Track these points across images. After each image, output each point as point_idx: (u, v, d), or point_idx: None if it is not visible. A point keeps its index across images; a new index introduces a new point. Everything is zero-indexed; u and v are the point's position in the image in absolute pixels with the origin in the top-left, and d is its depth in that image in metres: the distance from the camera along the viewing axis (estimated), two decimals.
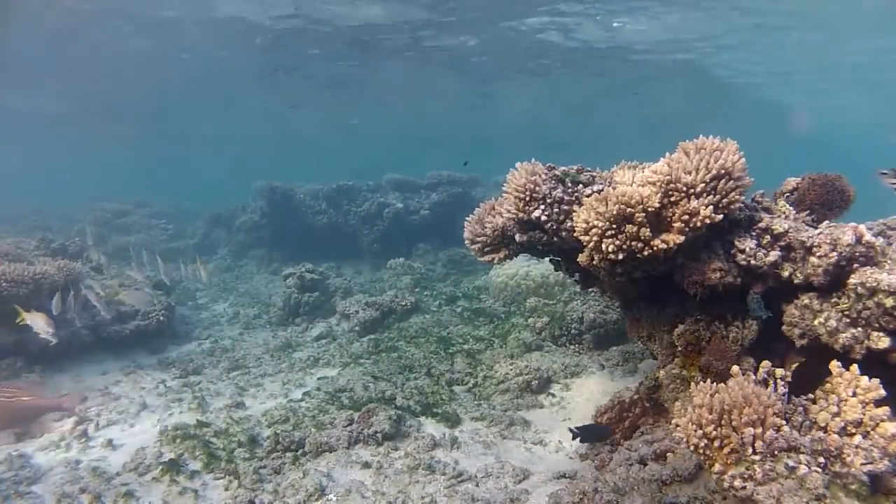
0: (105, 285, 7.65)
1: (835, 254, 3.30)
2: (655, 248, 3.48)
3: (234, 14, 13.85)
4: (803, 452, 2.76)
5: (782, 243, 3.57)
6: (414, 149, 46.24)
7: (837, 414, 2.94)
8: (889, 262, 3.33)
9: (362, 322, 8.12)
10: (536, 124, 33.26)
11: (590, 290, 5.06)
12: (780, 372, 3.29)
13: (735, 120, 27.13)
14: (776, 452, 2.76)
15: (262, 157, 49.00)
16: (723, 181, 3.49)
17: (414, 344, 7.42)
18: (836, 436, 2.85)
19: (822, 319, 3.40)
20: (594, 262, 3.78)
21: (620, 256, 3.55)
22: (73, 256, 9.20)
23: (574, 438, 3.99)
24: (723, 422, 2.91)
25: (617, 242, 3.51)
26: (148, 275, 9.30)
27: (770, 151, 26.50)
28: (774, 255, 3.55)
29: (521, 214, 4.10)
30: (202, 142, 42.66)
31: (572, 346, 6.74)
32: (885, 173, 3.62)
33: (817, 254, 3.37)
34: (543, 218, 4.04)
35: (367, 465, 4.44)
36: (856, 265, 3.32)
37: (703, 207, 3.45)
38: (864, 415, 2.89)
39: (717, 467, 2.90)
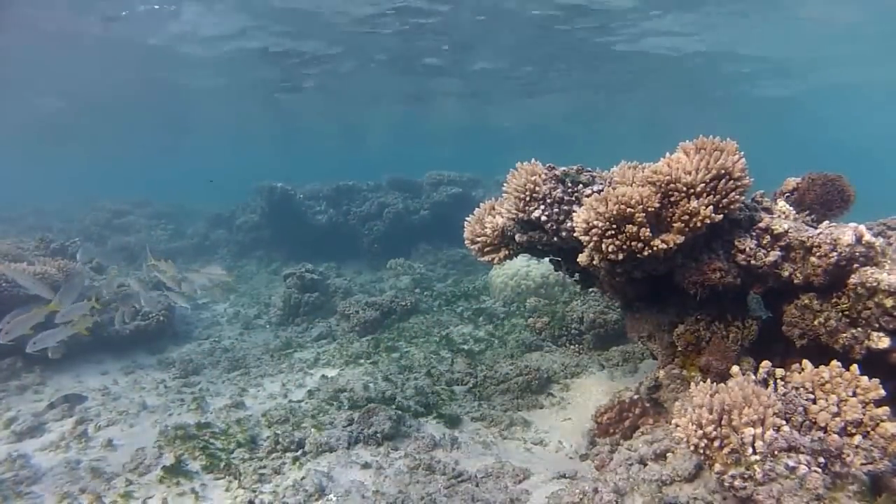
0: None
1: (835, 254, 3.30)
2: (655, 249, 3.48)
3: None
4: (803, 452, 2.76)
5: (782, 243, 3.57)
6: (415, 148, 46.28)
7: (837, 414, 2.94)
8: (889, 262, 3.33)
9: (362, 322, 8.12)
10: (538, 124, 33.31)
11: (590, 290, 5.06)
12: (780, 372, 3.29)
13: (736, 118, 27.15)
14: (776, 452, 2.76)
15: (262, 157, 49.03)
16: (723, 181, 3.49)
17: (414, 344, 7.42)
18: (836, 436, 2.85)
19: (822, 319, 3.40)
20: (594, 262, 3.78)
21: (620, 256, 3.55)
22: (72, 256, 9.19)
23: None
24: (723, 422, 2.91)
25: (617, 242, 3.51)
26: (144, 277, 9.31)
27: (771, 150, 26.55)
28: (774, 255, 3.55)
29: (521, 214, 4.10)
30: (202, 141, 42.68)
31: (572, 346, 6.74)
32: None
33: (817, 254, 3.37)
34: (543, 218, 4.04)
35: (366, 465, 4.44)
36: (856, 265, 3.32)
37: (703, 207, 3.45)
38: (864, 415, 2.89)
39: (717, 467, 2.90)
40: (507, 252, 4.59)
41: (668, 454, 3.75)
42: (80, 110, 24.54)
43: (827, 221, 3.63)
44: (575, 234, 3.76)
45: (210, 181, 13.48)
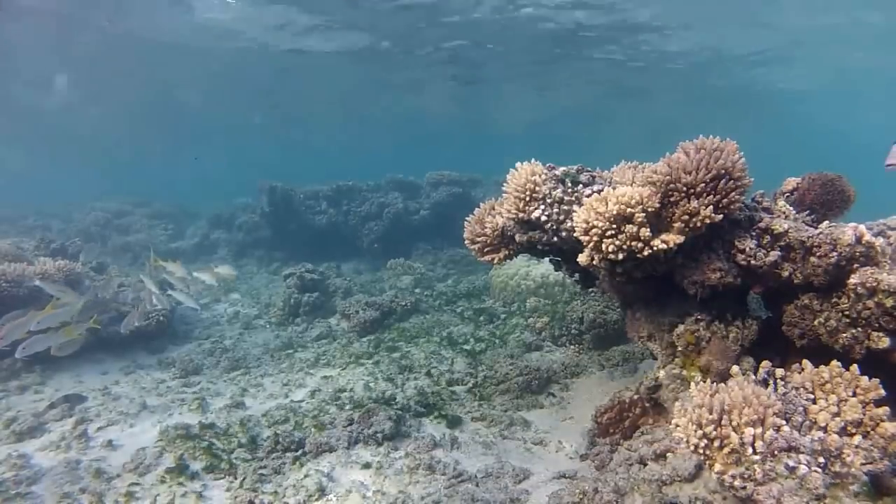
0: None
1: (835, 254, 3.30)
2: (655, 249, 3.48)
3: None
4: (803, 452, 2.76)
5: (782, 243, 3.57)
6: (414, 148, 46.31)
7: (837, 414, 2.94)
8: (889, 262, 3.33)
9: (362, 322, 8.12)
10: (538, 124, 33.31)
11: (590, 290, 5.06)
12: (780, 372, 3.29)
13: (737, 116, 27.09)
14: (776, 452, 2.76)
15: (262, 157, 49.03)
16: (723, 181, 3.49)
17: (414, 344, 7.42)
18: (836, 436, 2.85)
19: (822, 319, 3.40)
20: (594, 262, 3.78)
21: (620, 256, 3.55)
22: (72, 257, 9.20)
23: None
24: (723, 422, 2.91)
25: (617, 242, 3.51)
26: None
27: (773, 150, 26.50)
28: (774, 255, 3.55)
29: (521, 214, 4.10)
30: (202, 140, 42.68)
31: (572, 346, 6.74)
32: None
33: (817, 254, 3.37)
34: (543, 218, 4.04)
35: (367, 465, 4.44)
36: (856, 265, 3.32)
37: (703, 207, 3.45)
38: (864, 415, 2.89)
39: (717, 467, 2.90)
40: (507, 252, 4.59)
41: (668, 454, 3.75)
42: (82, 109, 24.59)
43: (827, 221, 3.63)
44: (575, 234, 3.76)
45: (195, 159, 13.61)
